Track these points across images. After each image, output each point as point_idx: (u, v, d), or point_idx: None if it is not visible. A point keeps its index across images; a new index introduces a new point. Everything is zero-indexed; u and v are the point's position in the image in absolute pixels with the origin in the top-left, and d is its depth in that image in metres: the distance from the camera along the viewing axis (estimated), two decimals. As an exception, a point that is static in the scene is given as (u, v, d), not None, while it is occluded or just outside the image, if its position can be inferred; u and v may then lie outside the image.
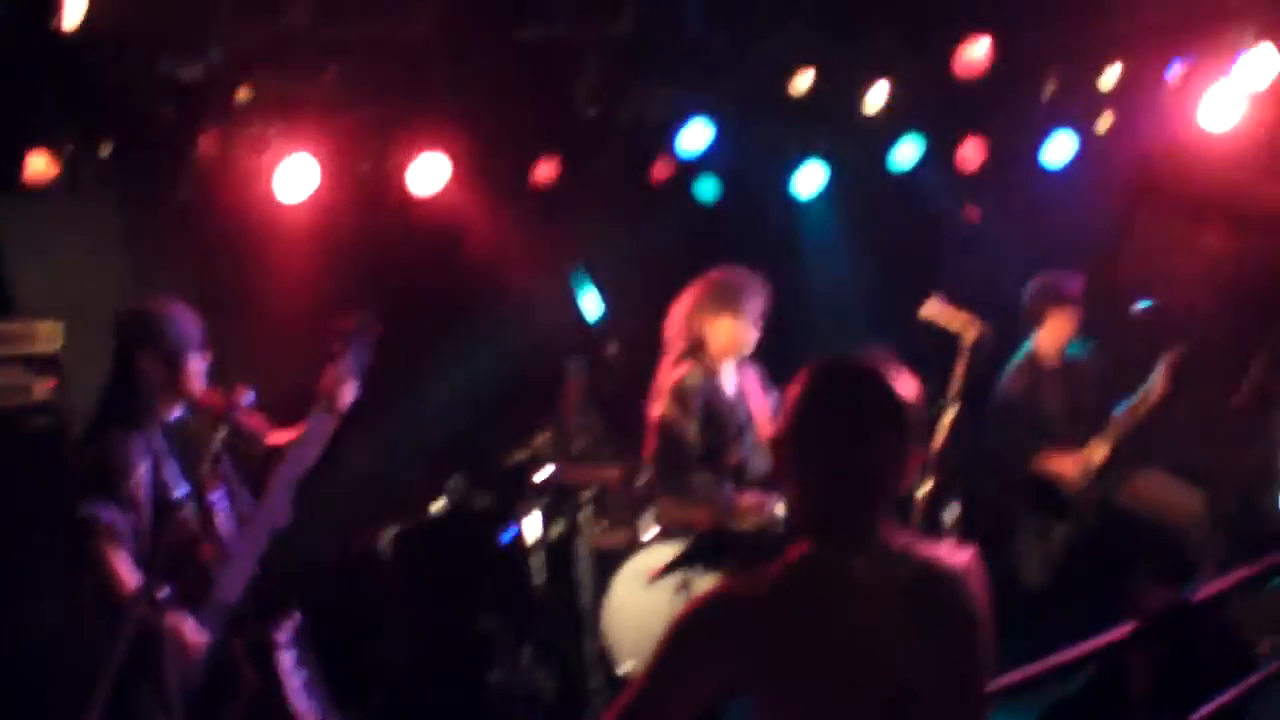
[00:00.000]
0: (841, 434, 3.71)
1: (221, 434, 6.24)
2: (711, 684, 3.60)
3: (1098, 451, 9.51)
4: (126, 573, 6.05)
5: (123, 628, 5.62)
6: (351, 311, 6.49)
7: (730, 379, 8.46)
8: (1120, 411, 9.59)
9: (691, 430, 7.96)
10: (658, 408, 8.09)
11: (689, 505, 8.08)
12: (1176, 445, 10.13)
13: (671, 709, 3.63)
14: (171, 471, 6.30)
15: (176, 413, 6.40)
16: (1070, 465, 9.54)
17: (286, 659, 6.37)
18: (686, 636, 3.62)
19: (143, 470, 6.13)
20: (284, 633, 6.40)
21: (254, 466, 6.46)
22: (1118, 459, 9.57)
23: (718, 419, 8.22)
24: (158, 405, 6.26)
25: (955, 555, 3.81)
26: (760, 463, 8.29)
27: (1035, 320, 9.77)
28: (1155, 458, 9.76)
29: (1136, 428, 9.58)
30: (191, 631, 6.07)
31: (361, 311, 6.50)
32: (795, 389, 3.78)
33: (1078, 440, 9.63)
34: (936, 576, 3.70)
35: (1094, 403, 9.79)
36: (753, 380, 8.54)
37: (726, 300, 8.15)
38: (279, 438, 6.51)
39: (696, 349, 8.23)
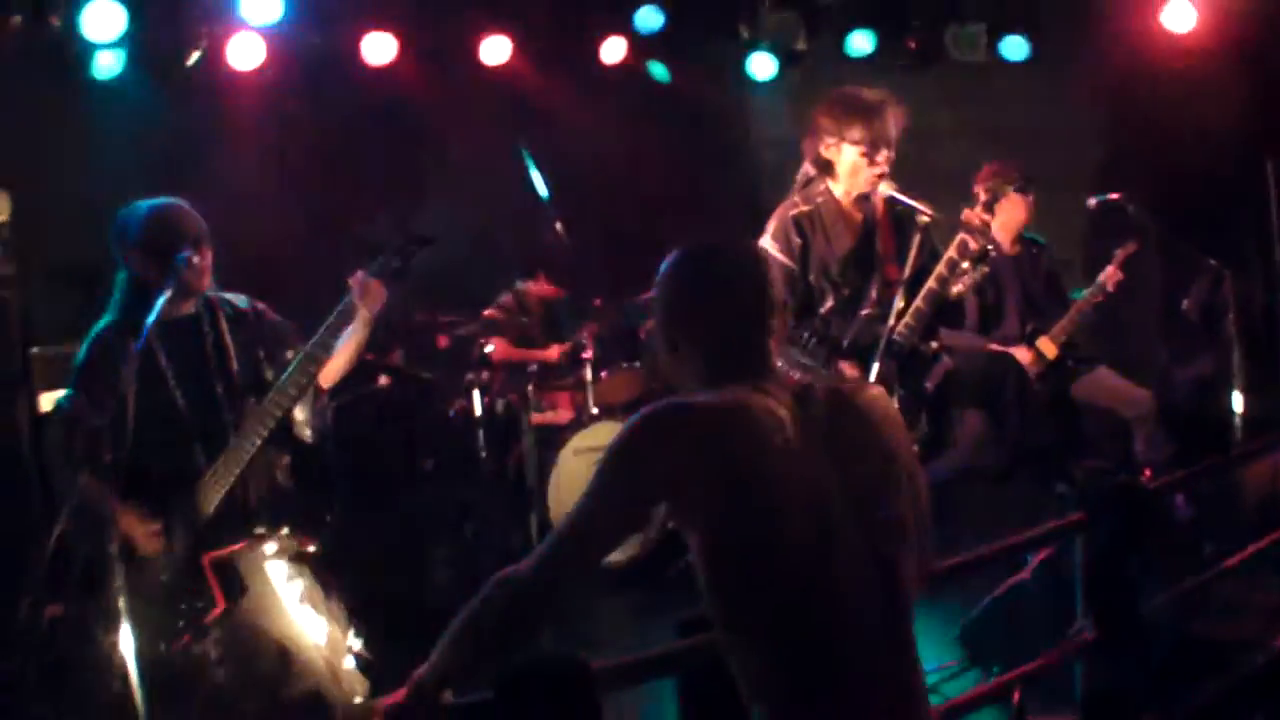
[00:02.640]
0: (734, 295, 3.91)
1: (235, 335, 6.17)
2: (654, 488, 3.66)
3: (1049, 346, 9.48)
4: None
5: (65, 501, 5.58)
6: (381, 222, 6.28)
7: (860, 213, 7.38)
8: (1075, 302, 9.56)
9: (785, 271, 7.29)
10: (763, 238, 7.45)
11: None
12: (1127, 343, 10.17)
13: (616, 519, 3.73)
14: (170, 370, 6.13)
15: (187, 309, 6.11)
16: (1023, 355, 9.50)
17: (276, 572, 6.19)
18: (635, 439, 3.68)
19: (133, 360, 5.89)
20: (271, 545, 6.19)
21: (275, 372, 6.24)
22: (1070, 351, 9.55)
23: (823, 264, 7.24)
24: (161, 303, 5.97)
25: (859, 387, 4.10)
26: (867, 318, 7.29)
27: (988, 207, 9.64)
28: (1107, 354, 9.75)
29: (1090, 321, 9.56)
30: (145, 526, 5.94)
31: (393, 224, 6.26)
32: (673, 270, 3.98)
33: (1026, 327, 9.60)
34: (843, 402, 3.85)
35: (1046, 291, 9.76)
36: (894, 217, 7.42)
37: (855, 119, 7.10)
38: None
39: (820, 175, 7.26)
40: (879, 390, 4.01)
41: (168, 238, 5.96)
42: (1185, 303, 9.55)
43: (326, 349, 6.05)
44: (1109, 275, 9.46)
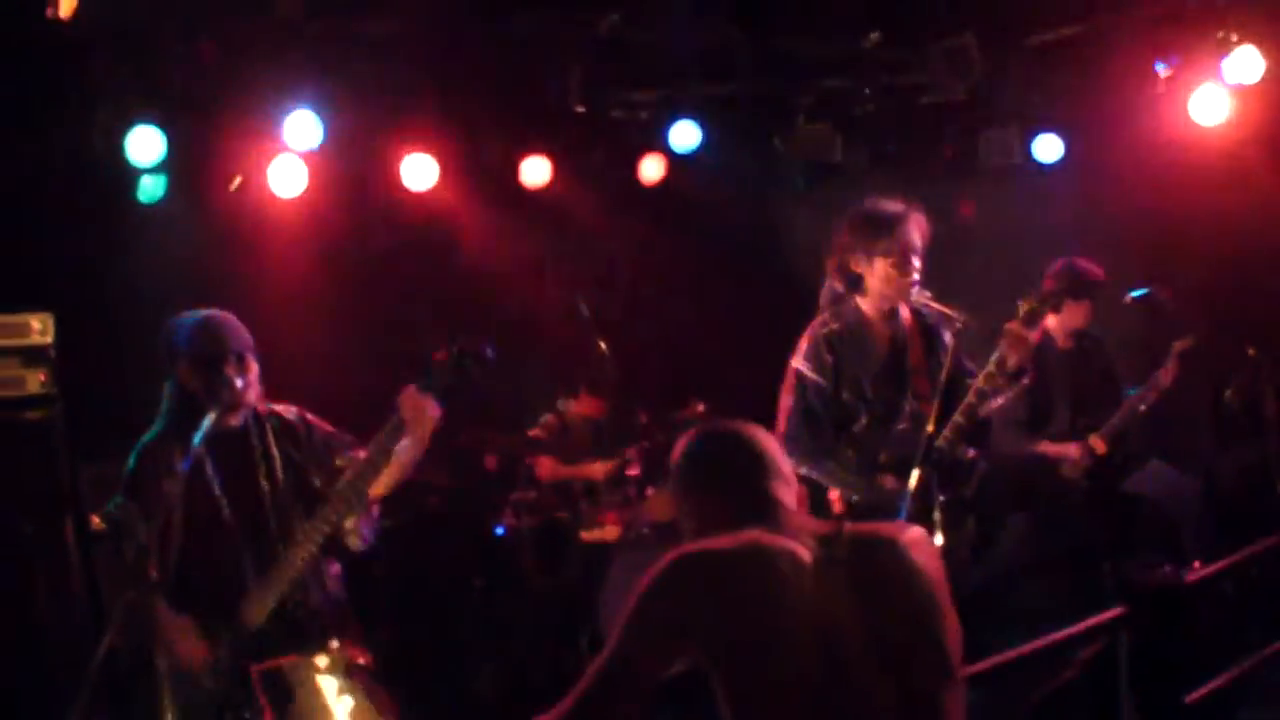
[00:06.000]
0: (743, 460, 4.13)
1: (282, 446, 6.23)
2: (677, 637, 3.74)
3: (1100, 443, 9.42)
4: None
5: (113, 617, 5.60)
6: (451, 338, 6.26)
7: (889, 329, 7.40)
8: (1129, 399, 9.52)
9: (821, 388, 7.19)
10: (795, 358, 7.30)
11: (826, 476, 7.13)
12: (1176, 435, 10.12)
13: (641, 667, 3.79)
14: (216, 481, 6.20)
15: (234, 421, 6.13)
16: (1073, 453, 9.44)
17: (327, 686, 6.08)
18: (656, 587, 3.78)
19: (180, 478, 5.93)
20: (322, 659, 6.08)
21: (325, 482, 6.20)
22: (1121, 447, 9.51)
23: (855, 381, 7.28)
24: (207, 425, 6.01)
25: (897, 530, 4.05)
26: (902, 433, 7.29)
27: (1054, 306, 9.51)
28: (1155, 446, 9.70)
29: (1142, 416, 9.52)
30: (190, 641, 5.94)
31: (461, 340, 6.23)
32: (689, 447, 4.24)
33: (1078, 424, 9.55)
34: (871, 545, 3.91)
35: (1100, 387, 9.70)
36: (923, 330, 7.46)
37: (882, 231, 7.17)
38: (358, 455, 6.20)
39: (850, 290, 7.35)
40: (918, 533, 4.04)
41: (212, 348, 6.04)
42: (1227, 393, 9.55)
43: (378, 463, 6.07)
44: (1165, 372, 9.40)
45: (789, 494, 4.10)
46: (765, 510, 3.98)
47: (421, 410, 6.04)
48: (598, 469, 10.31)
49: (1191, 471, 9.61)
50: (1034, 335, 7.02)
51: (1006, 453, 9.18)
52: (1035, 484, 9.35)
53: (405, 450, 6.13)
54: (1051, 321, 9.53)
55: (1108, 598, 6.44)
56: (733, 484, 4.08)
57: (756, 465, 4.10)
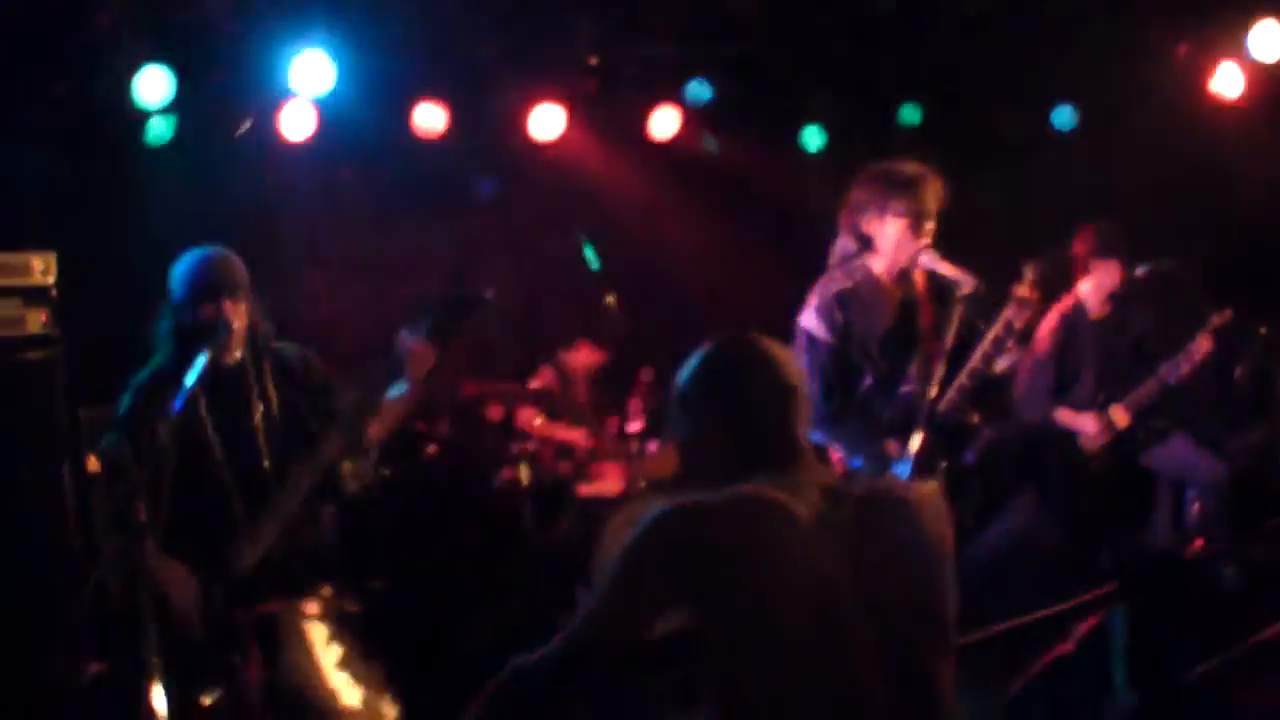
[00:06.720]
0: (765, 387, 3.91)
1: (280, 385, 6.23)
2: (663, 592, 3.67)
3: (1122, 414, 9.35)
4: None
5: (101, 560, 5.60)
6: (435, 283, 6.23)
7: (900, 289, 7.31)
8: (1159, 371, 9.40)
9: (828, 348, 7.10)
10: (804, 316, 7.20)
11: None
12: (1191, 413, 10.04)
13: (627, 619, 3.73)
14: (210, 421, 6.15)
15: (230, 360, 6.13)
16: (1090, 423, 9.38)
17: (316, 633, 6.11)
18: (645, 540, 3.70)
19: (175, 415, 5.88)
20: (313, 605, 6.13)
21: (320, 426, 6.17)
22: (1144, 420, 9.44)
23: (863, 340, 7.18)
24: (201, 364, 5.89)
25: (908, 490, 3.97)
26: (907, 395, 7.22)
27: (1081, 268, 9.47)
28: (1177, 423, 9.60)
29: (1170, 390, 9.44)
30: (181, 584, 5.91)
31: (460, 285, 6.20)
32: (705, 361, 3.99)
33: (1101, 394, 9.47)
34: (879, 508, 3.81)
35: (1132, 356, 9.61)
36: (935, 292, 7.34)
37: (896, 192, 7.08)
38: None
39: (861, 249, 7.25)
40: (930, 490, 3.96)
41: (205, 286, 6.03)
42: (1237, 370, 9.48)
43: (372, 405, 6.06)
44: (1199, 345, 9.29)
45: (807, 434, 3.97)
46: (784, 459, 3.84)
47: (417, 353, 6.03)
48: (578, 435, 10.23)
49: (1214, 450, 9.51)
50: (1036, 295, 6.95)
51: (1024, 421, 9.14)
52: (1046, 454, 9.28)
53: (400, 394, 6.13)
54: (1085, 287, 9.46)
55: (1107, 572, 6.41)
56: (757, 422, 3.90)
57: (787, 402, 3.92)
